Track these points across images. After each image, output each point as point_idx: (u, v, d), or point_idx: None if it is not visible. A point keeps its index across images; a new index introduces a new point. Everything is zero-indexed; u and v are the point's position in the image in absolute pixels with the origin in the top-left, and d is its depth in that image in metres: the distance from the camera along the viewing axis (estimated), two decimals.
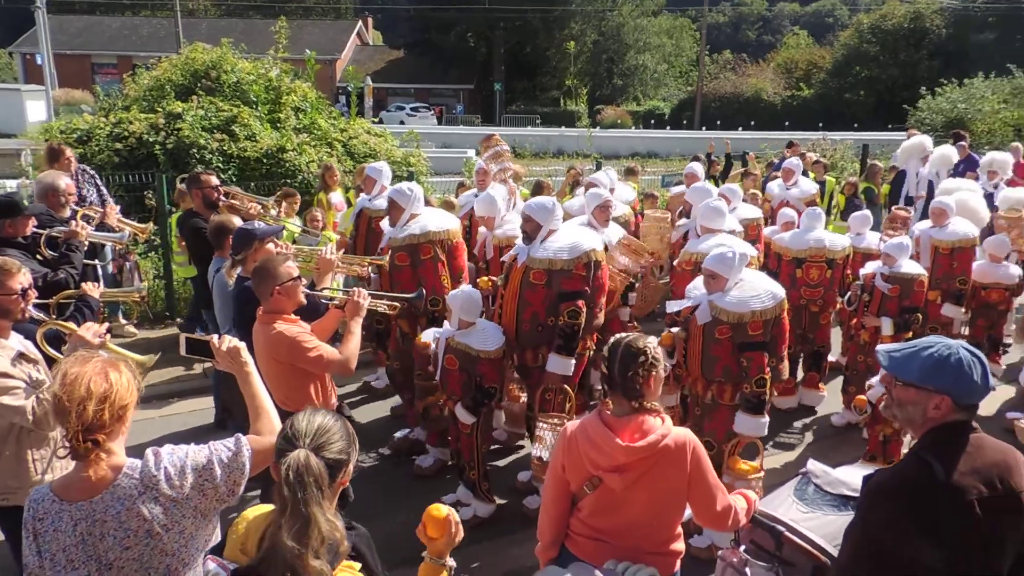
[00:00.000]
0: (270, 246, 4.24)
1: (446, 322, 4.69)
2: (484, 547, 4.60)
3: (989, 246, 6.63)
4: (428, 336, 4.77)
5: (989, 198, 8.19)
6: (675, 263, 6.17)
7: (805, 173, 9.10)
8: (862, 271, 6.02)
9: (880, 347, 2.27)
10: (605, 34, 45.06)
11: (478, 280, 5.25)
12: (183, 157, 8.84)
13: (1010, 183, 8.82)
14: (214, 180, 5.87)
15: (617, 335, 2.76)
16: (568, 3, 43.15)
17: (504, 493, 5.13)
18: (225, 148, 9.05)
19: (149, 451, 2.06)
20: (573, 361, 4.59)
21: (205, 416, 6.19)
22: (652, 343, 2.70)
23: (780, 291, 4.34)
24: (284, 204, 7.00)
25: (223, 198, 5.81)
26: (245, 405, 2.45)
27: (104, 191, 7.06)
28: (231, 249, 4.34)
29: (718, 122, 35.42)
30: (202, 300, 5.79)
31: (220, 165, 8.82)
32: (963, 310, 6.50)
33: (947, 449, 2.10)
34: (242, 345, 2.53)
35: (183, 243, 6.30)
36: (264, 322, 3.52)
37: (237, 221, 4.78)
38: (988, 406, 6.46)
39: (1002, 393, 6.81)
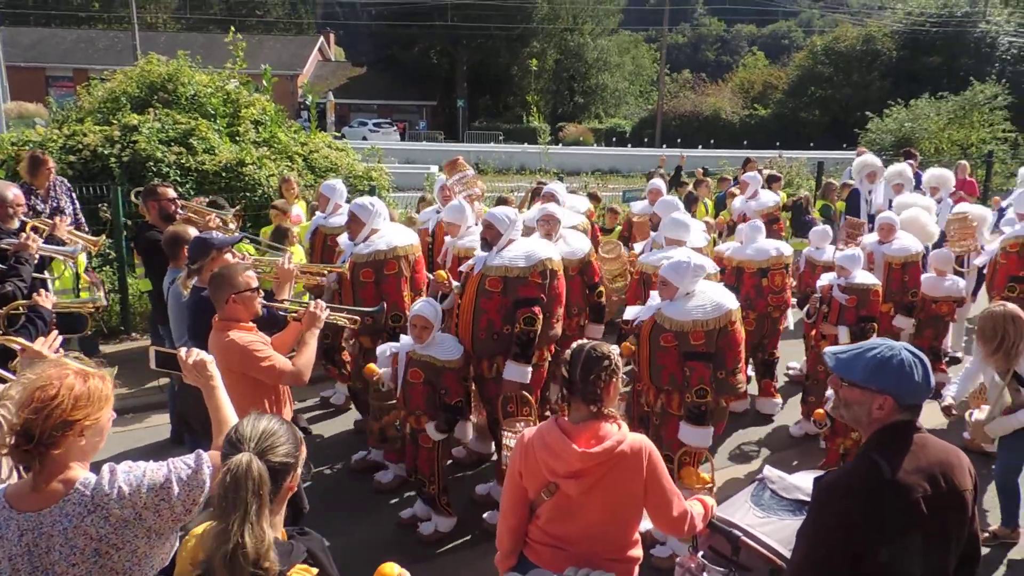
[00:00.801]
0: (228, 256, 4.19)
1: (403, 336, 4.65)
2: (446, 561, 4.58)
3: (934, 260, 6.84)
4: (381, 357, 4.70)
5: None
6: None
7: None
8: (819, 283, 6.16)
9: (827, 349, 2.34)
10: (566, 52, 45.57)
11: (435, 273, 5.25)
12: (139, 170, 8.69)
13: (956, 199, 9.11)
14: (171, 192, 5.79)
15: (579, 341, 2.79)
16: (530, 21, 43.57)
17: (464, 507, 5.10)
18: (183, 161, 8.92)
19: (105, 468, 2.01)
20: (530, 369, 4.60)
21: (161, 432, 6.07)
22: (615, 350, 2.74)
23: (729, 304, 4.30)
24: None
25: (180, 211, 5.74)
26: (201, 418, 2.42)
27: (77, 204, 6.92)
28: (187, 259, 4.28)
29: (678, 140, 35.96)
30: (159, 314, 5.69)
31: (177, 178, 8.69)
32: (912, 321, 6.67)
33: (893, 448, 2.16)
34: (209, 359, 2.50)
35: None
36: (218, 330, 3.47)
37: (192, 231, 4.71)
38: (937, 418, 6.59)
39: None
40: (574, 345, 2.76)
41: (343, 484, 5.45)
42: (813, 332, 6.22)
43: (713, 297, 4.29)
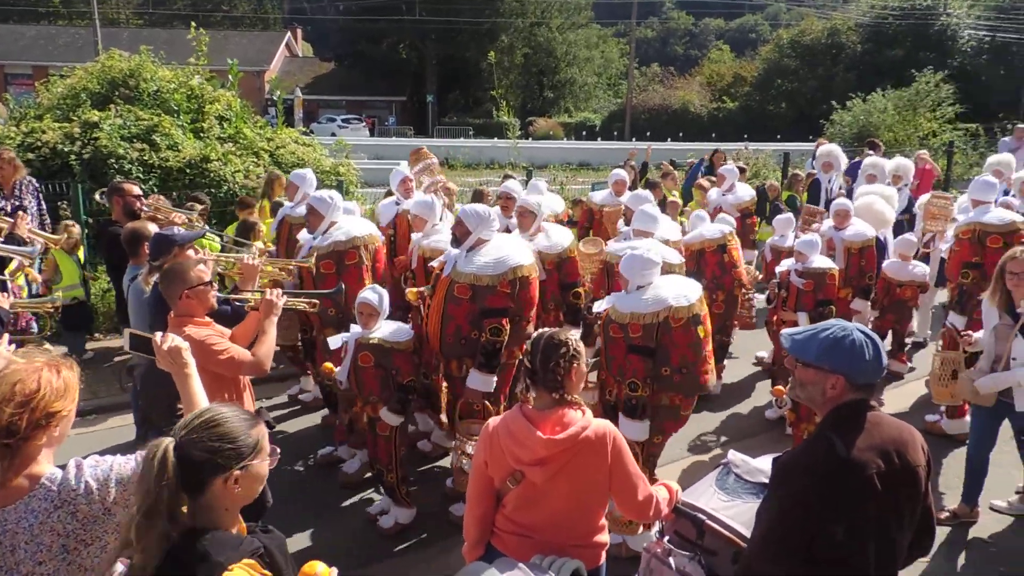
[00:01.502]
0: (190, 253, 4.14)
1: (352, 326, 4.62)
2: (413, 556, 4.57)
3: (898, 246, 6.96)
4: (335, 342, 4.67)
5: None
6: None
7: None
8: (778, 268, 6.25)
9: (784, 331, 2.38)
10: (535, 47, 45.56)
11: (407, 293, 5.21)
12: (100, 167, 8.56)
13: (916, 191, 9.29)
14: (136, 189, 5.70)
15: (540, 330, 2.80)
16: (498, 15, 43.49)
17: (434, 501, 5.10)
18: (146, 158, 8.80)
19: (72, 462, 1.98)
20: (494, 378, 4.58)
21: (126, 433, 5.98)
22: (574, 336, 2.75)
23: (673, 301, 4.14)
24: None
25: (145, 208, 5.66)
26: (165, 412, 2.39)
27: (43, 204, 6.80)
28: (149, 255, 4.22)
29: (648, 133, 36.12)
30: (122, 312, 5.60)
31: (141, 175, 8.56)
32: (869, 304, 6.78)
33: (847, 427, 2.20)
34: (184, 345, 2.46)
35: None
36: (174, 326, 3.43)
37: (153, 228, 4.65)
38: (901, 402, 6.75)
39: (914, 388, 7.13)
40: (535, 334, 2.77)
41: (309, 480, 5.43)
42: (774, 318, 6.32)
43: (659, 291, 4.19)
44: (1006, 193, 7.37)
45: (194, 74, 10.53)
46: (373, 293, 4.51)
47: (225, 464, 1.82)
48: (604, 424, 2.66)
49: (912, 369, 7.47)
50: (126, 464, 2.01)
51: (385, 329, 4.53)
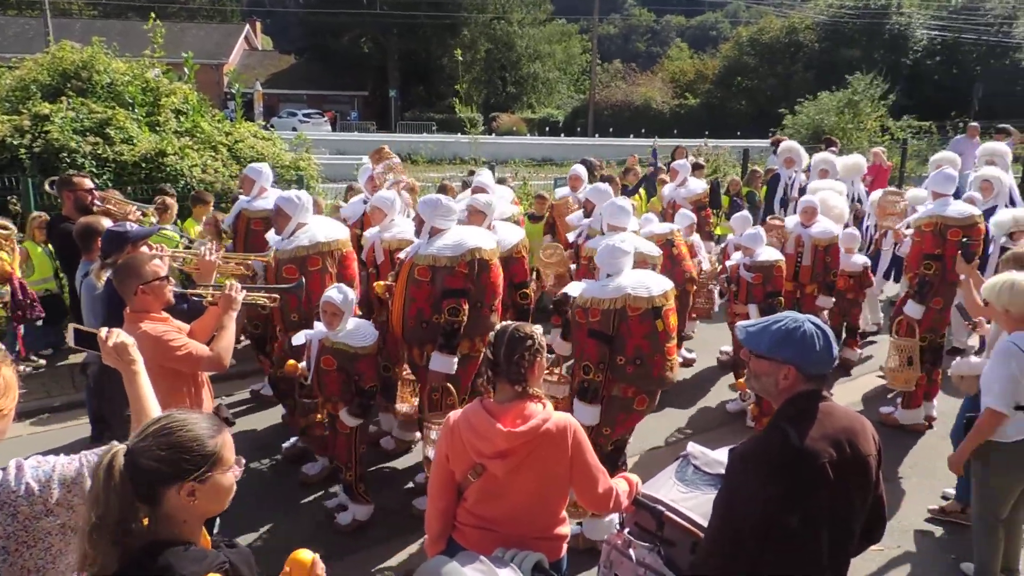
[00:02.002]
0: (144, 249, 4.06)
1: (317, 324, 4.58)
2: (377, 551, 4.54)
3: (844, 240, 7.13)
4: (299, 339, 4.62)
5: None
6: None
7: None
8: (728, 263, 6.35)
9: (738, 324, 2.41)
10: (497, 42, 45.45)
11: (373, 285, 5.17)
12: (52, 161, 8.32)
13: (870, 187, 9.49)
14: (87, 183, 5.57)
15: (503, 323, 2.81)
16: (459, 11, 43.32)
17: (396, 498, 5.08)
18: (100, 152, 8.59)
19: (12, 463, 1.91)
20: (455, 359, 4.58)
21: (79, 431, 5.84)
22: (538, 330, 2.77)
23: (631, 290, 4.17)
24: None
25: (97, 202, 5.53)
26: (119, 411, 2.32)
27: None
28: (101, 251, 4.13)
29: (611, 129, 36.40)
30: (76, 309, 5.48)
31: (94, 169, 8.36)
32: (833, 300, 6.92)
33: (800, 417, 2.24)
34: (131, 341, 2.39)
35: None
36: (130, 322, 3.36)
37: (106, 222, 4.55)
38: (853, 395, 6.90)
39: (867, 381, 7.29)
40: (498, 327, 2.78)
41: (272, 478, 5.37)
42: (731, 311, 6.45)
43: (621, 280, 4.22)
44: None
45: (150, 66, 10.30)
46: (337, 292, 4.47)
47: (177, 475, 1.74)
48: (565, 417, 2.67)
49: (866, 358, 7.64)
50: (69, 465, 1.95)
51: (350, 331, 4.50)
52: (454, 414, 2.76)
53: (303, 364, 4.66)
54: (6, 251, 6.67)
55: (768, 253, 6.14)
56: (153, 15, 11.46)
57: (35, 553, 1.87)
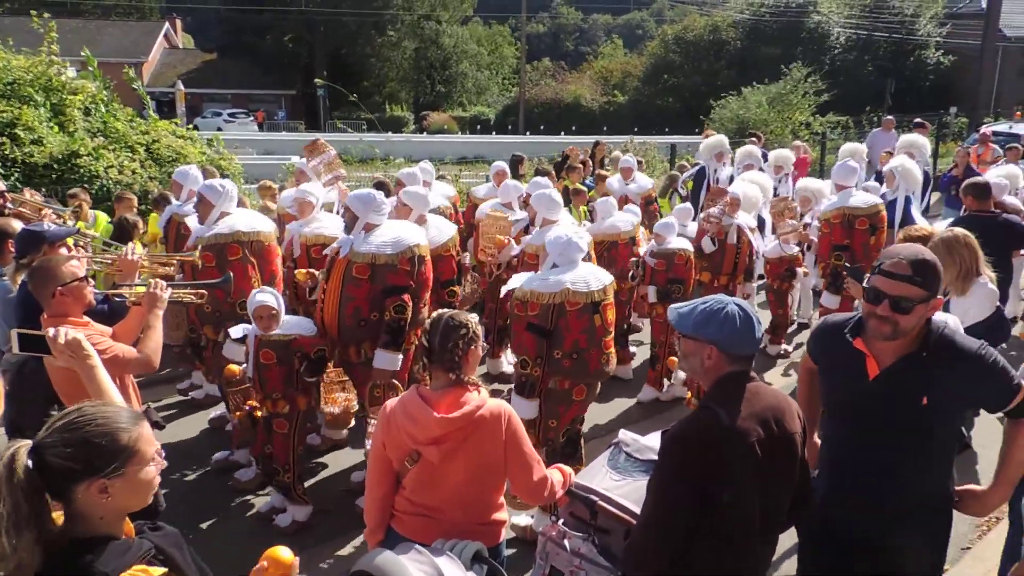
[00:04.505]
0: (63, 250, 3.89)
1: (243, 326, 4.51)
2: (320, 551, 4.47)
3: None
4: (237, 332, 4.54)
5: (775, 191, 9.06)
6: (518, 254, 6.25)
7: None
8: (641, 250, 6.46)
9: (672, 306, 2.47)
10: (424, 41, 45.13)
11: (295, 273, 5.08)
12: None
13: (795, 178, 9.79)
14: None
15: (439, 311, 2.81)
16: (385, 9, 42.86)
17: (331, 496, 5.02)
18: (7, 153, 8.19)
19: None
20: (400, 356, 4.57)
21: None
22: (473, 319, 2.77)
23: (571, 285, 4.18)
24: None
25: (9, 205, 5.31)
26: (36, 420, 2.20)
27: None
28: (15, 253, 3.93)
29: (541, 127, 36.57)
30: None
31: (1, 171, 7.96)
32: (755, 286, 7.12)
33: (728, 397, 2.30)
34: (81, 336, 2.28)
35: None
36: (49, 327, 3.20)
37: (18, 225, 4.34)
38: (787, 382, 7.09)
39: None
40: (434, 314, 2.79)
41: (203, 483, 5.22)
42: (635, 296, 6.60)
43: (561, 275, 4.24)
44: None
45: (51, 64, 9.83)
46: (268, 295, 4.40)
47: (87, 471, 1.66)
48: (499, 404, 2.70)
49: (796, 347, 7.87)
50: None
51: (288, 325, 4.46)
52: (390, 402, 2.75)
53: (244, 366, 4.57)
54: None
55: (677, 242, 6.27)
56: (35, 13, 10.89)
57: None
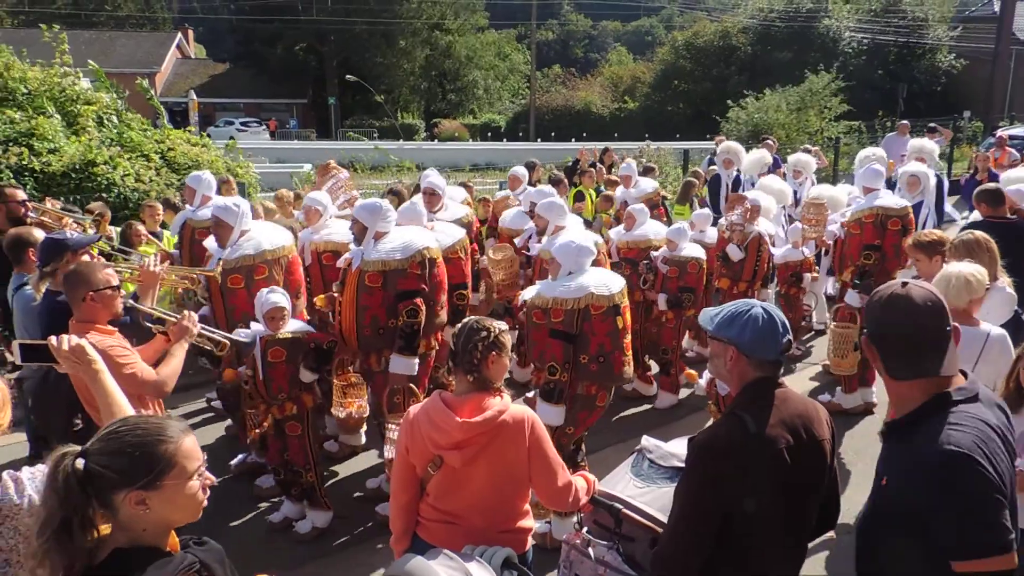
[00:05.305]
0: (85, 258, 3.90)
1: (253, 324, 4.50)
2: (339, 559, 4.48)
3: (790, 234, 7.33)
4: (244, 335, 4.56)
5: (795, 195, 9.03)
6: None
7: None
8: (654, 254, 6.44)
9: (705, 309, 2.46)
10: (435, 49, 45.27)
11: (315, 300, 5.08)
12: None
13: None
14: (20, 194, 5.37)
15: (468, 317, 2.83)
16: (396, 17, 43.03)
17: (354, 502, 5.02)
18: (25, 162, 8.25)
19: (7, 476, 1.86)
20: (416, 360, 4.56)
21: (16, 451, 5.58)
22: (500, 326, 2.77)
23: (595, 289, 4.21)
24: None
25: (31, 214, 5.34)
26: (60, 430, 2.22)
27: None
28: (38, 261, 3.95)
29: (552, 134, 36.59)
30: (7, 327, 5.23)
31: (25, 182, 8.01)
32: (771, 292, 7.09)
33: (756, 404, 2.28)
34: (85, 342, 2.29)
35: None
36: (75, 332, 3.20)
37: (40, 234, 4.36)
38: (796, 387, 7.02)
39: (810, 372, 7.48)
40: (462, 320, 2.79)
41: (222, 488, 5.21)
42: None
43: (582, 279, 4.25)
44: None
45: (65, 75, 9.92)
46: (279, 296, 4.41)
47: (121, 480, 1.65)
48: (523, 409, 2.69)
49: (808, 352, 7.83)
50: None
51: (292, 327, 4.49)
52: (414, 408, 2.76)
53: (242, 369, 4.58)
54: None
55: (690, 249, 6.24)
56: (45, 27, 11.03)
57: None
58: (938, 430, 1.96)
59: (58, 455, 1.65)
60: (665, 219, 9.34)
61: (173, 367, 3.37)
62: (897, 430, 2.11)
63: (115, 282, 3.36)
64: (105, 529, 1.70)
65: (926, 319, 2.04)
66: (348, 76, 27.67)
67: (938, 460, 1.92)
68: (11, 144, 8.36)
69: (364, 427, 5.68)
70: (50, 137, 8.65)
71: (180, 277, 4.76)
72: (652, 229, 6.60)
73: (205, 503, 1.80)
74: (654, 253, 6.42)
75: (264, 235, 5.00)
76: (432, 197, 6.05)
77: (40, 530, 1.60)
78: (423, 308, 4.50)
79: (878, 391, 6.41)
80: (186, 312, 3.61)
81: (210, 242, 5.16)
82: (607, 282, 4.28)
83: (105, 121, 9.70)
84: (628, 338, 4.38)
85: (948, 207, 7.42)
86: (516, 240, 6.91)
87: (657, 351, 6.71)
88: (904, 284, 2.12)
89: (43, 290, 3.84)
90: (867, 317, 2.18)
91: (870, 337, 2.13)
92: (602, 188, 9.78)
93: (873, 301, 2.15)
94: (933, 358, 2.05)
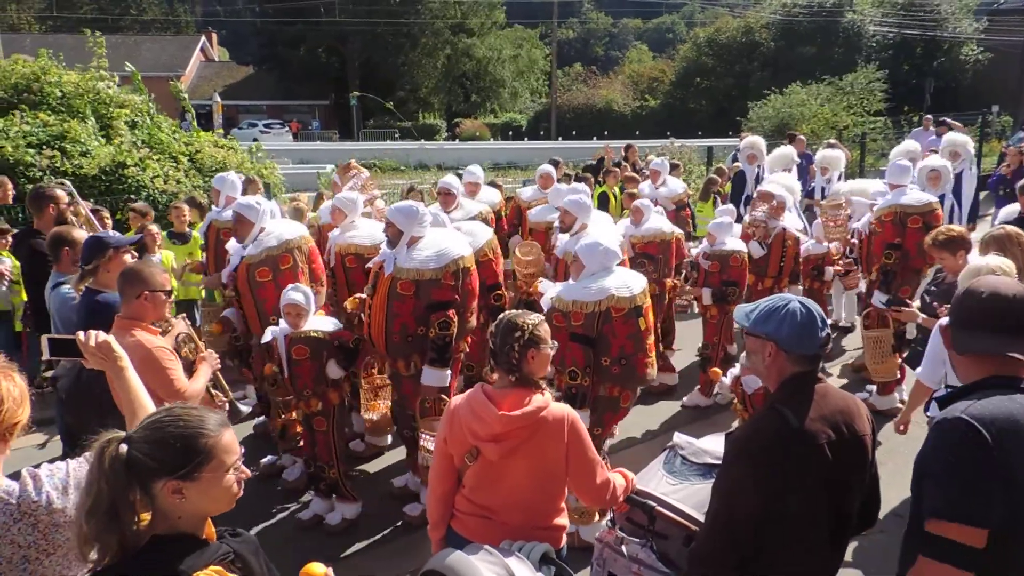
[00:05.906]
0: (127, 257, 3.95)
1: (281, 321, 4.53)
2: (366, 556, 4.49)
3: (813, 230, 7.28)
4: (266, 337, 4.56)
5: (822, 191, 8.96)
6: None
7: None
8: (694, 250, 6.40)
9: (739, 305, 2.44)
10: (456, 49, 45.36)
11: (345, 303, 5.09)
12: (7, 176, 8.10)
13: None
14: (66, 197, 5.45)
15: (507, 311, 2.82)
16: (417, 17, 43.15)
17: (381, 501, 5.03)
18: (57, 165, 8.38)
19: (27, 473, 1.87)
20: (448, 372, 4.51)
21: (51, 450, 5.67)
22: (535, 319, 2.76)
23: (616, 291, 4.15)
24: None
25: (72, 218, 5.40)
26: (94, 428, 2.25)
27: None
28: (81, 259, 3.99)
29: (574, 132, 36.56)
30: (41, 327, 5.31)
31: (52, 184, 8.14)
32: (801, 288, 7.01)
33: (797, 399, 2.25)
34: (111, 338, 2.32)
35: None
36: (121, 327, 3.23)
37: (78, 234, 4.42)
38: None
39: (839, 372, 7.38)
40: (500, 316, 2.79)
41: (250, 486, 5.26)
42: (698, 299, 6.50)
43: (603, 281, 4.19)
44: None
45: (100, 78, 10.07)
46: (298, 293, 4.43)
47: (160, 469, 1.69)
48: (563, 407, 2.69)
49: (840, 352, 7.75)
50: (81, 468, 1.91)
51: (317, 321, 4.51)
52: (456, 398, 2.78)
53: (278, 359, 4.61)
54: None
55: (732, 243, 6.18)
56: (88, 30, 11.21)
57: (54, 560, 1.86)
58: (970, 402, 1.97)
59: (103, 440, 1.69)
60: (691, 220, 9.32)
61: (199, 384, 3.42)
62: (944, 402, 2.09)
63: (168, 288, 3.41)
64: (145, 517, 1.74)
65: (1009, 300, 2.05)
66: (354, 94, 27.72)
67: (949, 424, 1.94)
68: (44, 147, 8.49)
69: (393, 428, 5.70)
70: (82, 140, 8.78)
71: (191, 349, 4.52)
72: (662, 222, 6.57)
73: (240, 495, 1.84)
74: (694, 250, 6.38)
75: (283, 227, 5.11)
76: (447, 197, 6.11)
77: (90, 512, 1.64)
78: (455, 320, 4.45)
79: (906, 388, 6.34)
80: (209, 352, 3.64)
81: (232, 244, 5.23)
82: (628, 283, 4.22)
83: (139, 123, 9.83)
84: (651, 339, 4.32)
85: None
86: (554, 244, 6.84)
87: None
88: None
89: (83, 288, 3.88)
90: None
91: (948, 312, 2.10)
92: (623, 186, 9.75)
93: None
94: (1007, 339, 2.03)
